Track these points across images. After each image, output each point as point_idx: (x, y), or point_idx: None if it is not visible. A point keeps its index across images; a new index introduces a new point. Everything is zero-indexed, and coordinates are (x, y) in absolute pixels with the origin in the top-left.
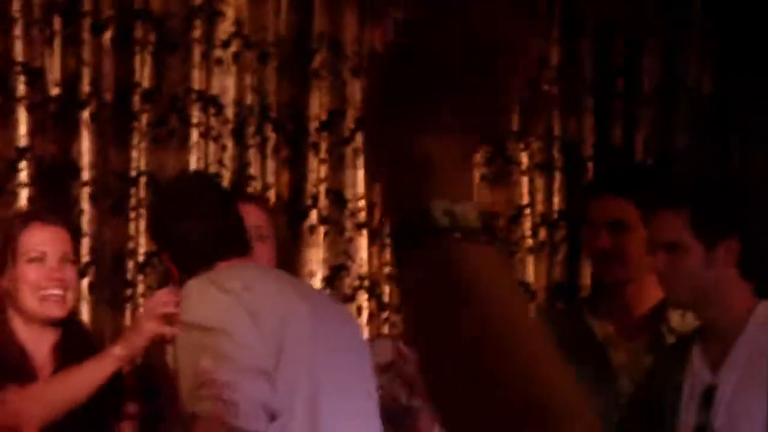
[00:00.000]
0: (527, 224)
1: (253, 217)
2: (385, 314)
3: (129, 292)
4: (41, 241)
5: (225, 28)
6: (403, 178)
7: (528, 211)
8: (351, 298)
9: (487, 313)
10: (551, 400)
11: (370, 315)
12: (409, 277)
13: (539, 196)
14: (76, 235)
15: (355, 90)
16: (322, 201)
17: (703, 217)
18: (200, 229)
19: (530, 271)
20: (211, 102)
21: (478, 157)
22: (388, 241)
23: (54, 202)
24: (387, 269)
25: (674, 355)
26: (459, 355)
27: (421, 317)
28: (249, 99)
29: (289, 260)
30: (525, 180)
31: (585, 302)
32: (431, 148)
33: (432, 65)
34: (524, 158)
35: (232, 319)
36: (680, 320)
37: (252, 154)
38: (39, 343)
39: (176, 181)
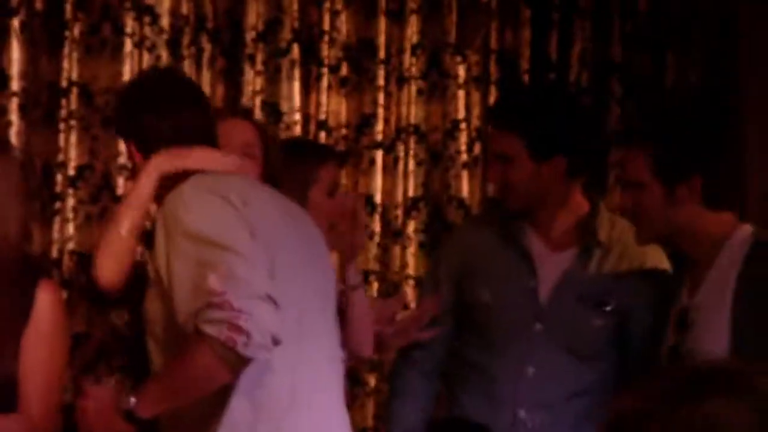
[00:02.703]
0: (462, 139)
1: (241, 133)
2: None
3: (58, 205)
4: None
5: None
6: None
7: (463, 125)
8: None
9: None
10: None
11: None
12: None
13: (475, 111)
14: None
15: (293, 0)
16: (258, 113)
17: (663, 159)
18: (170, 122)
19: (464, 186)
20: (145, 11)
21: (414, 70)
22: None
23: None
24: None
25: (673, 284)
26: None
27: None
28: (185, 8)
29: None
30: (461, 94)
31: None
32: None
33: None
34: (461, 71)
35: (239, 236)
36: (608, 234)
37: (187, 65)
38: None
39: (147, 75)
